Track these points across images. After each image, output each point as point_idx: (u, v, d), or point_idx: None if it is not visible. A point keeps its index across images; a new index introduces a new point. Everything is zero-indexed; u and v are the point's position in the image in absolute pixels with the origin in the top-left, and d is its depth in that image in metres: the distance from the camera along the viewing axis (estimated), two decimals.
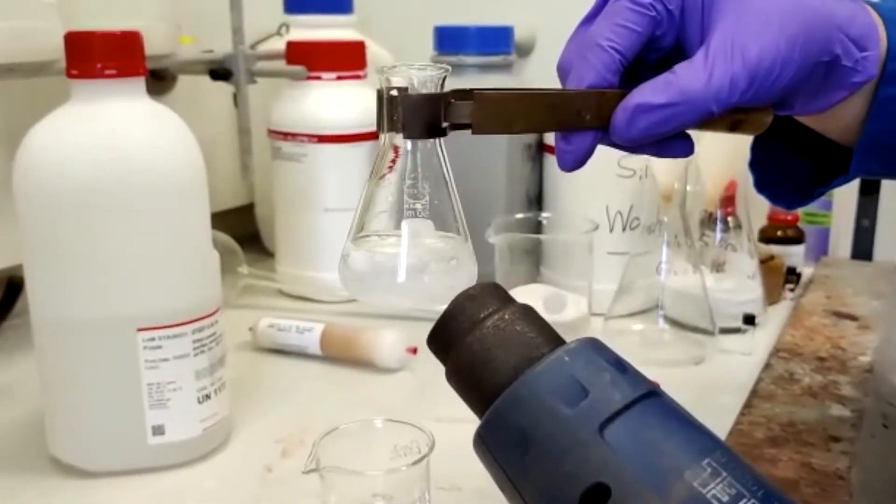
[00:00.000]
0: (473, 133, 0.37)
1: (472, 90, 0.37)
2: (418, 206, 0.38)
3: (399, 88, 0.37)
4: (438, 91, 0.38)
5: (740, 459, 0.31)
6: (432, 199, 0.38)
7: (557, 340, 0.35)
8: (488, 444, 0.33)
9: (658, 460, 0.30)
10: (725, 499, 0.29)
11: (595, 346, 0.34)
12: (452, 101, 0.37)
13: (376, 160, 0.39)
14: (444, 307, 0.36)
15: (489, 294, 0.36)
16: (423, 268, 0.38)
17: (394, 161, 0.39)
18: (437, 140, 0.38)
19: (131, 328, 0.51)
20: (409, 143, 0.38)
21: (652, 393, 0.33)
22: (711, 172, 0.78)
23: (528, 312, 0.35)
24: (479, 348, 0.34)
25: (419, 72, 0.37)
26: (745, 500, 0.29)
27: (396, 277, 0.38)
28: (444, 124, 0.38)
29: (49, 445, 0.54)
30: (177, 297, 0.52)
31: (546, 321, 0.36)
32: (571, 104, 0.39)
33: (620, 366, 0.33)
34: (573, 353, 0.33)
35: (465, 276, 0.38)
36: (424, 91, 0.37)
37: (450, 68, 0.38)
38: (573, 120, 0.40)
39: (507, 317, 0.35)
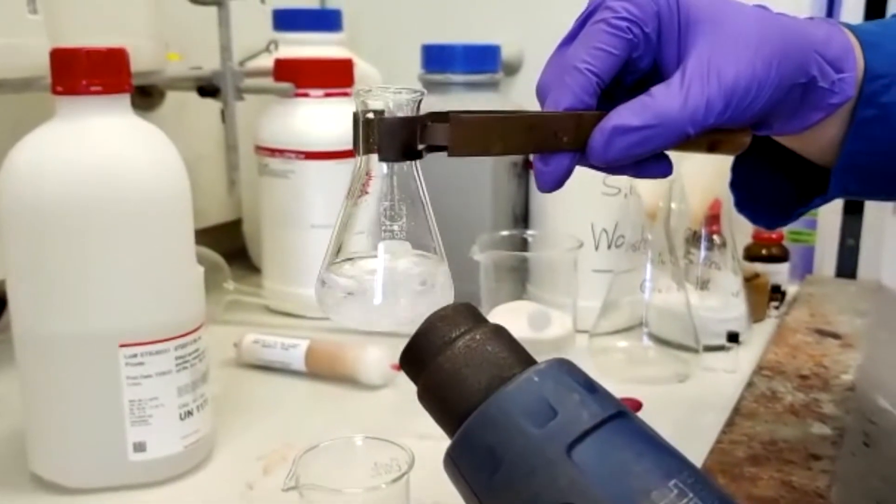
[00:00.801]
0: (450, 155, 0.37)
1: (447, 113, 0.37)
2: (395, 227, 0.38)
3: (375, 111, 0.37)
4: (414, 114, 0.38)
5: (708, 480, 0.31)
6: (409, 221, 0.38)
7: (528, 361, 0.35)
8: (458, 463, 0.34)
9: (625, 481, 0.30)
10: None
11: (565, 367, 0.34)
12: (428, 123, 0.38)
13: (352, 182, 0.39)
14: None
15: (461, 314, 0.36)
16: (400, 290, 0.38)
17: (367, 183, 0.39)
18: (413, 162, 0.38)
19: (113, 344, 0.51)
20: (385, 166, 0.38)
21: (620, 413, 0.33)
22: (696, 191, 0.78)
23: (499, 332, 0.36)
24: (450, 368, 0.34)
25: (395, 95, 0.37)
26: None
27: (373, 299, 0.38)
28: (420, 147, 0.38)
29: (30, 462, 0.54)
30: (159, 314, 0.52)
31: (517, 341, 0.36)
32: (549, 126, 0.40)
33: (590, 386, 0.33)
34: (543, 374, 0.33)
35: (442, 298, 0.39)
36: (400, 114, 0.37)
37: (425, 92, 0.38)
38: (551, 142, 0.40)
39: (478, 337, 0.35)
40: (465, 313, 0.36)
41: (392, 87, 0.37)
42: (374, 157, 0.38)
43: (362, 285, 0.38)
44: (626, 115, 0.39)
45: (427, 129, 0.37)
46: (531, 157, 0.85)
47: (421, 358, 0.35)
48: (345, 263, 0.39)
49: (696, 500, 0.30)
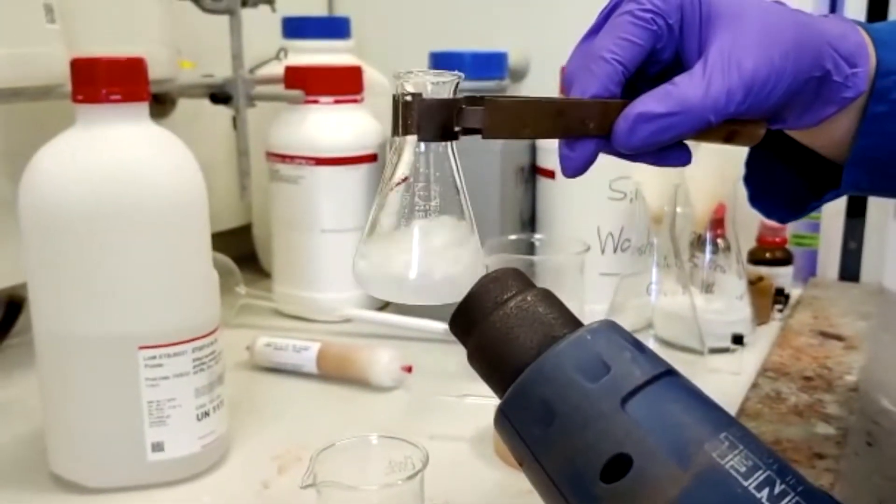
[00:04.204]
0: (484, 137, 0.39)
1: (482, 97, 0.39)
2: (430, 207, 0.39)
3: (413, 94, 0.38)
4: (452, 97, 0.39)
5: (754, 436, 0.33)
6: (443, 201, 0.40)
7: (577, 323, 0.36)
8: (511, 418, 0.35)
9: (678, 432, 0.32)
10: (743, 469, 0.31)
11: (614, 328, 0.35)
12: (464, 106, 0.39)
13: (388, 162, 0.40)
14: (453, 304, 0.38)
15: (512, 277, 0.37)
16: (433, 267, 0.40)
17: (403, 164, 0.40)
18: (448, 144, 0.40)
19: (132, 346, 0.52)
20: (422, 146, 0.40)
21: (670, 371, 0.34)
22: (700, 195, 0.79)
23: (548, 296, 0.37)
24: (503, 327, 0.36)
25: (434, 77, 0.39)
26: (760, 472, 0.31)
27: (408, 276, 0.39)
28: (457, 128, 0.39)
29: (49, 462, 0.55)
30: (177, 316, 0.53)
31: (566, 305, 0.37)
32: (576, 112, 0.41)
33: (639, 346, 0.35)
34: (595, 333, 0.35)
35: (474, 274, 0.40)
36: (438, 97, 0.39)
37: (462, 75, 0.39)
38: (577, 127, 0.41)
39: (529, 299, 0.36)
40: (516, 277, 0.38)
41: (431, 70, 0.39)
42: (411, 138, 0.39)
43: (397, 262, 0.39)
44: (651, 102, 0.41)
45: (463, 112, 0.39)
46: (545, 161, 0.86)
47: (473, 318, 0.37)
48: (380, 241, 0.40)
49: (746, 452, 0.31)
